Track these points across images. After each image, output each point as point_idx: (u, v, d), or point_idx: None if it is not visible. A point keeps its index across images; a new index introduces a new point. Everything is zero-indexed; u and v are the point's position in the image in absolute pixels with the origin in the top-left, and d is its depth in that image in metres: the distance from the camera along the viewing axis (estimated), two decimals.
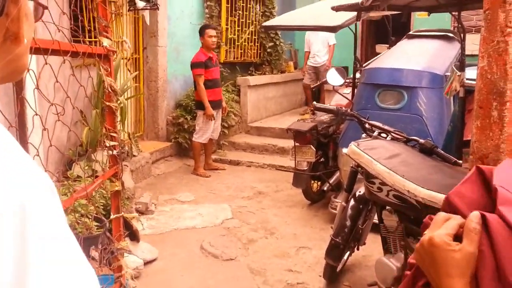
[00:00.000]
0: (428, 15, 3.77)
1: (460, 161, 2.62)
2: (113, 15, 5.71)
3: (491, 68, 1.39)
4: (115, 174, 1.97)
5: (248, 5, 8.17)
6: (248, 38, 8.27)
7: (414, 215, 2.58)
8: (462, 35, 3.39)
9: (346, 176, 4.29)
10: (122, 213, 2.24)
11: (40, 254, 0.49)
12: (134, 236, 3.58)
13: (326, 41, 8.27)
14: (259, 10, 8.52)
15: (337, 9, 3.56)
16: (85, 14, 4.51)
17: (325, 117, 4.75)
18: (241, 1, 7.94)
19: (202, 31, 5.88)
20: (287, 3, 9.86)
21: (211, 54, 5.88)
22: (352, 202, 3.11)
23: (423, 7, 3.42)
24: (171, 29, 6.66)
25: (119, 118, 4.00)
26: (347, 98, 4.10)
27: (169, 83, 6.71)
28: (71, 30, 3.37)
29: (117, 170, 1.96)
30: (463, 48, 3.35)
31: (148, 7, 5.63)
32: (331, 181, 4.69)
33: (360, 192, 3.10)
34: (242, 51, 8.19)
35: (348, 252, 3.14)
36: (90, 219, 3.28)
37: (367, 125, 3.00)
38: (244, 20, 8.09)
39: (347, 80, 4.68)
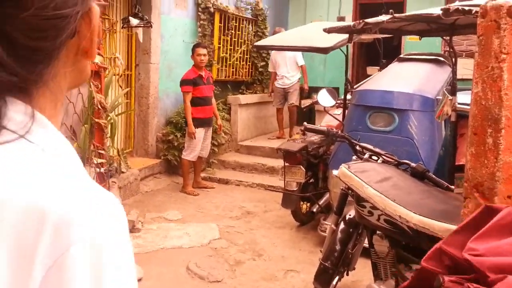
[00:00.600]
0: (420, 39, 3.81)
1: (452, 186, 2.60)
2: (107, 32, 5.73)
3: (486, 94, 1.37)
4: None
5: (241, 25, 8.22)
6: (240, 57, 8.29)
7: (405, 241, 2.54)
8: (453, 59, 3.41)
9: (336, 198, 4.27)
10: None
11: (115, 284, 0.54)
12: None
13: (294, 62, 7.78)
14: (252, 30, 8.58)
15: (329, 31, 3.57)
16: None
17: (315, 137, 4.73)
18: (234, 21, 7.99)
19: (192, 50, 5.91)
20: (279, 23, 9.93)
21: (202, 72, 5.87)
22: (342, 225, 3.06)
23: (415, 31, 3.44)
24: (164, 47, 6.66)
25: (109, 134, 3.96)
26: (337, 119, 4.10)
27: (160, 100, 6.68)
28: None
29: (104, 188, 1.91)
30: (454, 72, 3.36)
31: (142, 25, 5.63)
32: (321, 202, 4.65)
33: (350, 215, 3.06)
34: (234, 69, 8.20)
35: (337, 277, 3.08)
36: None
37: (358, 147, 2.98)
38: (236, 39, 8.12)
39: (338, 101, 4.69)
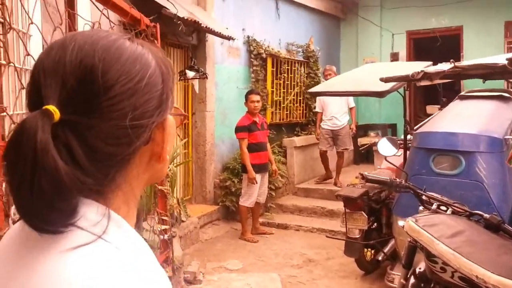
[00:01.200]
0: (483, 82, 3.65)
1: None
2: None
3: None
4: (165, 259, 1.93)
5: (293, 68, 8.30)
6: (293, 99, 8.34)
7: None
8: None
9: (402, 246, 4.07)
10: None
11: None
12: None
13: (345, 102, 7.38)
14: (304, 71, 8.63)
15: (386, 80, 3.51)
16: None
17: None
18: (286, 64, 8.09)
19: (246, 96, 6.00)
20: (331, 63, 9.93)
21: (256, 118, 5.93)
22: (412, 280, 2.89)
23: (477, 75, 3.31)
24: (218, 94, 6.82)
25: (168, 185, 4.03)
26: (395, 165, 3.97)
27: (216, 146, 6.79)
28: None
29: (168, 255, 1.92)
30: None
31: (198, 77, 5.80)
32: (386, 250, 4.45)
33: (420, 268, 2.89)
34: (288, 112, 8.24)
35: None
36: None
37: (424, 197, 2.85)
38: (289, 82, 8.19)
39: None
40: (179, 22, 4.77)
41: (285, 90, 8.14)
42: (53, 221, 0.58)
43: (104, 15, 1.98)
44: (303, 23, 9.01)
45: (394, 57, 9.65)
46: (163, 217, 1.87)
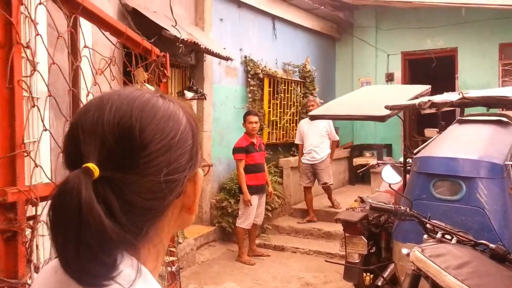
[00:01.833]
0: (487, 110, 3.67)
1: None
2: None
3: None
4: None
5: (290, 87, 8.34)
6: (289, 119, 8.36)
7: None
8: None
9: (403, 272, 4.06)
10: None
11: None
12: None
13: (324, 133, 6.95)
14: (300, 91, 8.67)
15: (391, 108, 3.52)
16: None
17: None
18: (283, 84, 8.13)
19: (244, 117, 5.99)
20: (327, 84, 10.04)
21: (254, 139, 5.92)
22: None
23: (482, 103, 3.33)
24: (215, 114, 6.83)
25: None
26: (399, 193, 3.96)
27: (213, 166, 6.75)
28: None
29: (176, 287, 1.89)
30: None
31: (196, 97, 5.81)
32: (385, 274, 4.41)
33: None
34: (284, 132, 8.26)
35: None
36: None
37: (428, 225, 2.83)
38: (285, 102, 8.23)
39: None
40: (180, 45, 4.78)
41: (282, 110, 8.17)
42: (98, 275, 0.61)
43: (106, 37, 1.97)
44: (300, 43, 9.09)
45: (389, 77, 9.75)
46: (171, 249, 1.85)
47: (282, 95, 8.10)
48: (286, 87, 8.23)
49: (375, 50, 9.87)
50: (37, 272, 1.08)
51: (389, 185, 3.57)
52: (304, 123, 7.05)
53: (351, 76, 10.22)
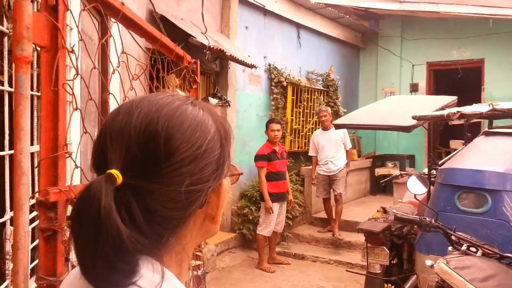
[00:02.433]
0: None
1: None
2: None
3: None
4: None
5: (313, 96, 8.35)
6: (312, 127, 8.36)
7: None
8: None
9: (425, 284, 4.01)
10: None
11: None
12: None
13: (340, 143, 6.74)
14: (323, 100, 8.67)
15: (419, 118, 3.50)
16: None
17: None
18: (306, 93, 8.14)
19: (266, 125, 6.02)
20: (350, 93, 10.01)
21: (276, 147, 5.93)
22: None
23: (510, 114, 3.29)
24: (238, 122, 6.88)
25: None
26: (424, 204, 3.92)
27: (242, 174, 6.78)
28: None
29: None
30: None
31: (220, 104, 5.87)
32: (407, 286, 4.35)
33: None
34: (306, 140, 8.25)
35: None
36: None
37: (453, 237, 2.80)
38: (308, 110, 8.23)
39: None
40: (208, 52, 4.85)
41: (304, 119, 8.18)
42: (116, 281, 0.60)
43: (138, 44, 2.03)
44: (324, 52, 9.10)
45: (414, 88, 9.67)
46: (197, 253, 1.88)
47: (305, 103, 8.11)
48: (309, 96, 8.24)
49: (400, 60, 9.81)
50: None
51: (415, 195, 3.54)
52: (318, 134, 6.88)
53: (375, 86, 10.16)
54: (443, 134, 9.49)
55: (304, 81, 8.24)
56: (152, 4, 5.10)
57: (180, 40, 4.84)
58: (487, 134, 4.53)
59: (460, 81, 9.11)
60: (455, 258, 2.52)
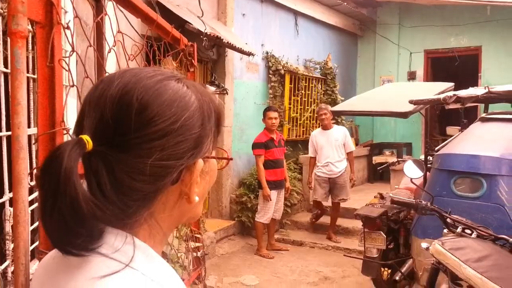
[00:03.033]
0: None
1: None
2: None
3: None
4: (198, 276, 1.95)
5: (310, 84, 8.35)
6: (310, 116, 8.37)
7: None
8: None
9: (421, 267, 4.06)
10: None
11: None
12: None
13: (340, 143, 6.29)
14: (321, 88, 8.67)
15: (415, 103, 3.51)
16: None
17: None
18: (304, 81, 8.14)
19: (264, 113, 6.02)
20: (348, 81, 10.02)
21: (273, 135, 5.94)
22: None
23: (506, 99, 3.31)
24: (236, 110, 6.88)
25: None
26: (420, 187, 3.95)
27: (233, 161, 6.82)
28: None
29: (200, 272, 1.94)
30: None
31: (218, 92, 5.87)
32: (403, 270, 4.40)
33: None
34: (304, 129, 8.27)
35: None
36: None
37: (449, 220, 2.84)
38: (306, 98, 8.24)
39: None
40: (204, 38, 4.84)
41: (302, 107, 8.18)
42: (75, 244, 0.61)
43: (133, 27, 2.03)
44: (321, 40, 9.08)
45: (411, 75, 9.67)
46: (196, 235, 1.90)
47: (302, 91, 8.12)
48: (307, 84, 8.24)
49: (398, 48, 9.80)
50: None
51: (411, 179, 3.57)
52: (317, 134, 6.43)
53: (373, 74, 10.16)
54: (440, 123, 9.52)
55: (302, 69, 8.23)
56: None
57: (176, 26, 4.82)
58: (484, 120, 4.55)
59: (457, 68, 9.11)
60: (450, 240, 2.56)
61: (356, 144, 9.66)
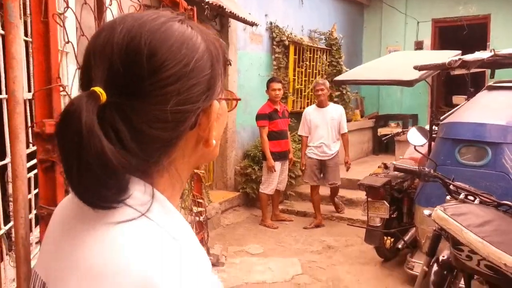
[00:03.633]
0: None
1: None
2: None
3: None
4: (200, 240, 1.98)
5: (315, 56, 8.26)
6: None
7: None
8: None
9: (424, 235, 4.09)
10: None
11: None
12: None
13: (336, 123, 5.85)
14: (326, 59, 8.58)
15: (420, 68, 3.47)
16: None
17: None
18: (308, 52, 8.05)
19: (267, 84, 5.98)
20: (354, 52, 9.89)
21: (277, 106, 5.91)
22: (435, 268, 2.90)
23: None
24: (240, 82, 6.84)
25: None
26: (424, 154, 3.94)
27: (237, 133, 6.82)
28: None
29: (203, 236, 1.97)
30: None
31: None
32: (406, 238, 4.46)
33: (444, 256, 2.90)
34: (309, 100, 8.22)
35: None
36: None
37: (452, 187, 2.84)
38: (311, 70, 8.16)
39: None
40: (206, 6, 4.77)
41: (307, 79, 8.11)
42: (105, 197, 0.60)
43: None
44: (326, 10, 8.94)
45: (419, 45, 9.54)
46: (199, 200, 1.92)
47: (307, 63, 8.03)
48: (311, 55, 8.15)
49: (405, 17, 9.63)
50: None
51: (414, 147, 3.56)
52: (311, 111, 5.99)
53: (379, 44, 10.03)
54: (447, 94, 9.43)
55: (306, 40, 8.12)
56: None
57: None
58: (490, 88, 4.50)
59: (465, 38, 8.96)
60: (452, 206, 2.56)
61: (362, 116, 9.62)
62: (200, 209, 1.94)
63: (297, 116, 7.69)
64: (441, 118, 4.35)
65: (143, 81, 0.61)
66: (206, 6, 4.86)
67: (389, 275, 4.43)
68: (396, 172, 4.54)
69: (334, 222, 6.11)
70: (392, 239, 4.73)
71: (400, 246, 4.50)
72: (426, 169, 2.97)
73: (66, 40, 1.04)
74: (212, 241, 5.06)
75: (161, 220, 0.63)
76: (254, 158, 6.63)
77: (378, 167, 5.13)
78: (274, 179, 5.88)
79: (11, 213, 1.54)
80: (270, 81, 6.02)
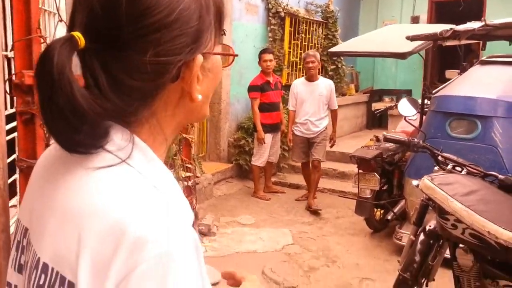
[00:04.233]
0: (510, 44, 3.58)
1: None
2: None
3: None
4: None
5: (311, 28, 8.18)
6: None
7: (492, 256, 2.43)
8: None
9: (413, 207, 4.15)
10: None
11: None
12: None
13: (324, 99, 5.54)
14: (322, 33, 8.50)
15: (412, 39, 3.46)
16: None
17: (390, 144, 4.61)
18: (304, 25, 7.97)
19: (259, 56, 5.93)
20: (350, 26, 9.80)
21: (270, 78, 5.87)
22: (421, 237, 2.95)
23: (505, 36, 3.25)
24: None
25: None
26: (414, 126, 3.96)
27: (231, 105, 6.81)
28: None
29: (191, 201, 1.99)
30: None
31: None
32: (395, 210, 4.52)
33: (430, 226, 2.94)
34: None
35: None
36: None
37: (440, 158, 2.86)
38: (306, 43, 8.10)
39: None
40: None
41: (302, 51, 8.03)
42: (79, 142, 0.60)
43: None
44: None
45: (415, 20, 9.45)
46: (187, 165, 1.93)
47: (303, 35, 7.97)
48: (307, 28, 8.08)
49: None
50: None
51: (404, 118, 3.57)
52: (299, 85, 5.70)
53: (375, 18, 9.94)
54: (441, 70, 9.40)
55: (302, 12, 8.03)
56: None
57: None
58: (483, 63, 4.50)
59: (462, 13, 8.87)
60: (439, 175, 2.59)
61: (356, 91, 9.61)
62: (188, 174, 1.95)
63: None
64: (433, 92, 4.36)
65: (121, 28, 0.60)
66: None
67: (378, 245, 4.51)
68: (387, 145, 4.58)
69: (326, 195, 6.18)
70: (382, 211, 4.81)
71: (389, 217, 4.57)
72: (415, 139, 2.99)
73: None
74: (204, 212, 5.12)
75: (142, 167, 0.63)
76: (247, 130, 6.63)
77: (370, 139, 5.16)
78: (265, 151, 5.89)
79: None
80: (262, 52, 5.97)
